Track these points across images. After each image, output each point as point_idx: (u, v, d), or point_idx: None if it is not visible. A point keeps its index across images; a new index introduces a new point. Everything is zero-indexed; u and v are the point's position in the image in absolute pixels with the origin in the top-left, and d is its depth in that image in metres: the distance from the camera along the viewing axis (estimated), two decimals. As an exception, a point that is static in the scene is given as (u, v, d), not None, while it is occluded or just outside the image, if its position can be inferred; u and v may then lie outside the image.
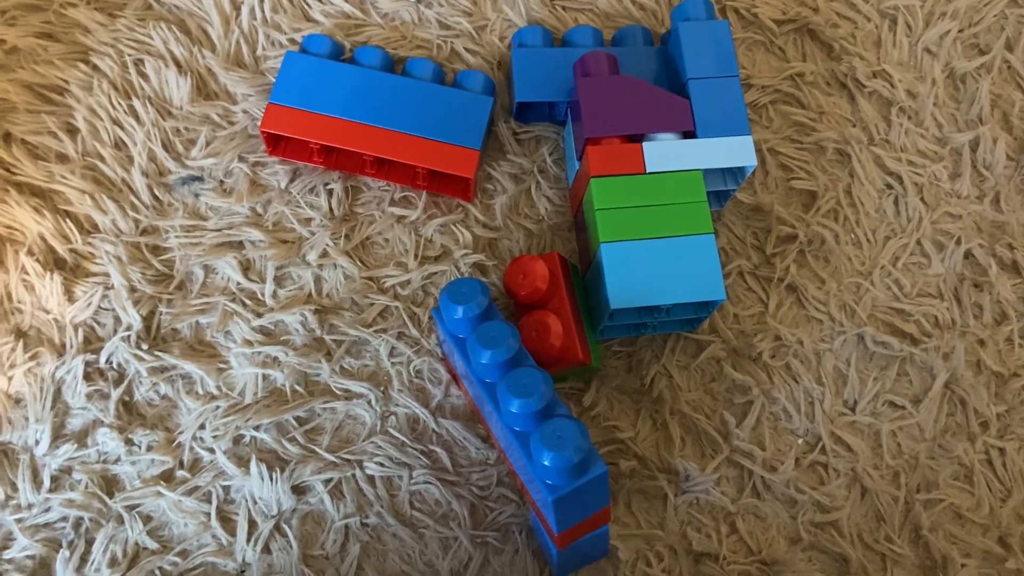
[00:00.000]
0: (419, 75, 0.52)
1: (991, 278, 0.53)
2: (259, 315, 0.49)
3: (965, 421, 0.51)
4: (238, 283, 0.49)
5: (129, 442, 0.46)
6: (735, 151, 0.48)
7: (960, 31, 0.58)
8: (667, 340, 0.50)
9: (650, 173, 0.47)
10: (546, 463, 0.38)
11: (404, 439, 0.47)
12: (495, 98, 0.52)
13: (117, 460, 0.46)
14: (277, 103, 0.50)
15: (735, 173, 0.50)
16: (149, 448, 0.46)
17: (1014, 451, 0.50)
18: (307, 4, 0.55)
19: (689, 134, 0.49)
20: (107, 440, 0.46)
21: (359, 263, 0.50)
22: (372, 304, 0.50)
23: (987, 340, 0.52)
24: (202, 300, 0.49)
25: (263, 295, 0.49)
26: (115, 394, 0.47)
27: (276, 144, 0.51)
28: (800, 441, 0.49)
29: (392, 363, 0.49)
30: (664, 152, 0.48)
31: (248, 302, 0.49)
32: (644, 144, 0.48)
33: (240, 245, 0.50)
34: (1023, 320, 0.52)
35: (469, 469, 0.47)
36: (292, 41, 0.54)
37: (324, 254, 0.50)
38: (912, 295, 0.52)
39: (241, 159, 0.51)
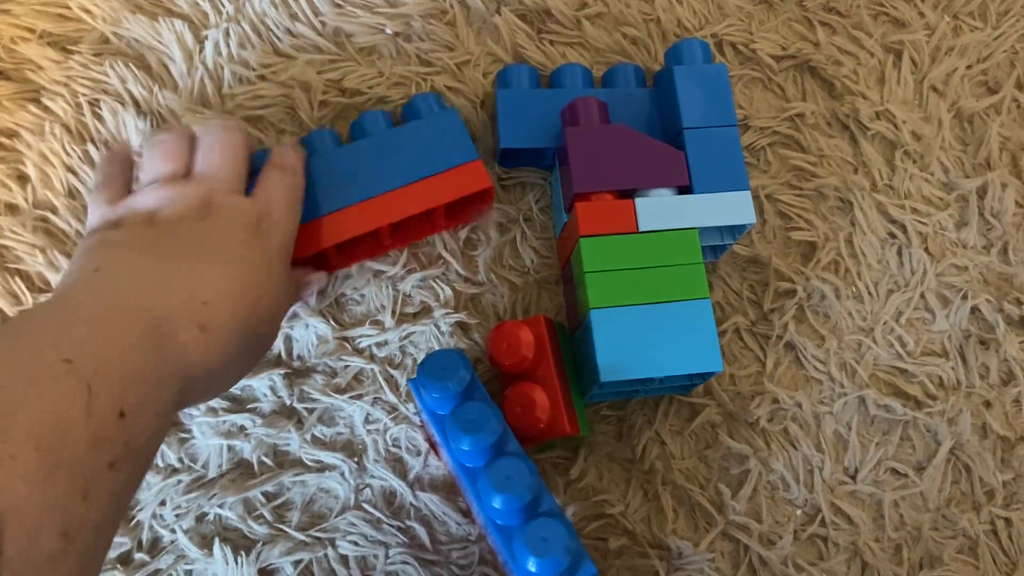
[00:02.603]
0: (374, 130, 0.48)
1: (998, 336, 0.50)
2: (225, 380, 0.46)
3: (970, 489, 0.48)
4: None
5: (84, 522, 0.43)
6: (733, 208, 0.45)
7: (968, 67, 0.55)
8: (659, 403, 0.48)
9: (643, 232, 0.44)
10: (532, 569, 0.35)
11: (380, 515, 0.45)
12: (455, 110, 0.48)
13: (71, 541, 0.43)
14: None
15: (732, 228, 0.48)
16: (105, 528, 0.43)
17: (1020, 522, 0.48)
18: (277, 38, 0.51)
19: (684, 188, 0.46)
20: (60, 520, 0.43)
21: (333, 322, 0.47)
22: (346, 367, 0.47)
23: (993, 402, 0.50)
24: (163, 364, 0.46)
25: (229, 357, 0.46)
26: (68, 469, 0.44)
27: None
28: (799, 512, 0.47)
29: (367, 431, 0.46)
30: (658, 209, 0.45)
31: (213, 365, 0.46)
32: (637, 200, 0.45)
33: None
34: (1031, 380, 0.50)
35: (449, 546, 0.45)
36: (262, 78, 0.50)
37: (294, 313, 0.47)
38: (916, 354, 0.50)
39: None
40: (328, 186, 0.46)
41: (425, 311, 0.48)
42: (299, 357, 0.47)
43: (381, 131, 0.47)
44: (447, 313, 0.47)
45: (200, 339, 0.33)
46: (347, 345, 0.47)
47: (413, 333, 0.47)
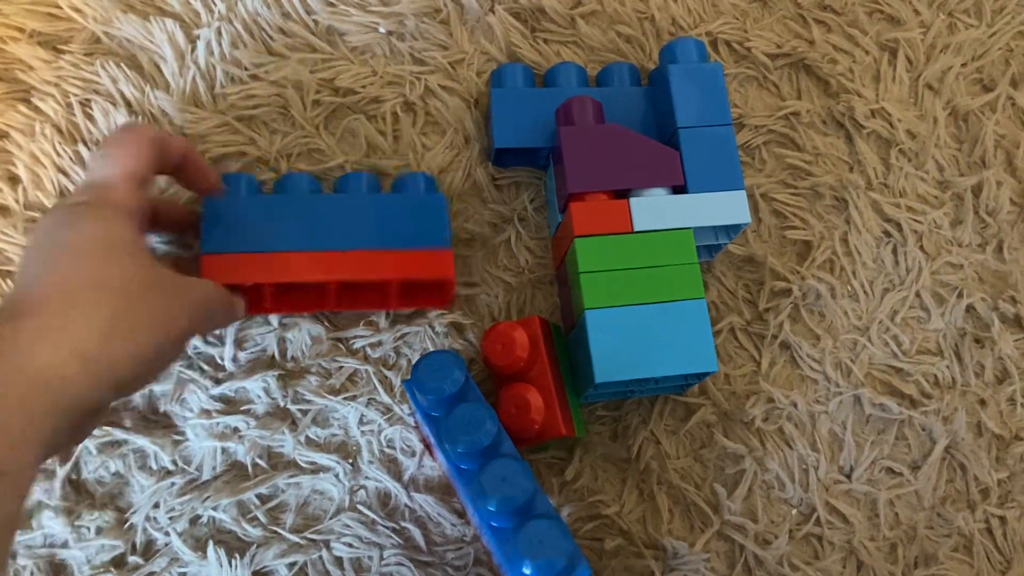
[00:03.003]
0: (354, 190, 0.46)
1: (993, 334, 0.50)
2: (218, 382, 0.45)
3: (965, 488, 0.48)
4: (195, 347, 0.46)
5: (77, 525, 0.43)
6: (728, 207, 0.45)
7: (963, 65, 0.55)
8: (655, 403, 0.48)
9: (637, 232, 0.44)
10: (527, 571, 0.35)
11: (374, 516, 0.44)
12: (442, 195, 0.47)
13: (64, 544, 0.43)
14: (211, 252, 0.43)
15: (728, 228, 0.47)
16: (99, 531, 0.43)
17: (1015, 520, 0.48)
18: (270, 37, 0.51)
19: (679, 188, 0.46)
20: (52, 523, 0.43)
21: (326, 323, 0.47)
22: (340, 368, 0.46)
23: (988, 400, 0.50)
24: (156, 366, 0.45)
25: (222, 359, 0.46)
26: (61, 472, 0.43)
27: None
28: (794, 512, 0.47)
29: (362, 432, 0.46)
30: (652, 209, 0.45)
31: (206, 367, 0.46)
32: (631, 200, 0.45)
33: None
34: (1026, 378, 0.50)
35: (444, 547, 0.45)
36: (254, 77, 0.50)
37: (288, 315, 0.47)
38: (911, 352, 0.50)
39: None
40: (292, 225, 0.44)
41: (419, 312, 0.48)
42: (293, 358, 0.46)
43: (363, 192, 0.46)
44: (441, 313, 0.47)
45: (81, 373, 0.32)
46: (341, 346, 0.47)
47: (407, 334, 0.47)
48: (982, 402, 0.50)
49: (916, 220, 0.52)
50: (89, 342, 0.32)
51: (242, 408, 0.45)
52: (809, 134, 0.53)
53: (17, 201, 0.47)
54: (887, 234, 0.52)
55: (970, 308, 0.51)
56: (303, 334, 0.47)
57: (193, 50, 0.50)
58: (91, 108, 0.48)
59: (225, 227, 0.43)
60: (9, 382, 0.30)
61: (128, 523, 0.43)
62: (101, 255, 0.35)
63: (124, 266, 0.35)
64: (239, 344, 0.46)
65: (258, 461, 0.45)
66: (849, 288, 0.51)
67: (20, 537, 0.43)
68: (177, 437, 0.45)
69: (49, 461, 0.43)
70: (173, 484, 0.44)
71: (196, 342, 0.46)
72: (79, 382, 0.31)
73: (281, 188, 0.46)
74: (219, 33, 0.50)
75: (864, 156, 0.53)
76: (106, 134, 0.48)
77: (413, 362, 0.46)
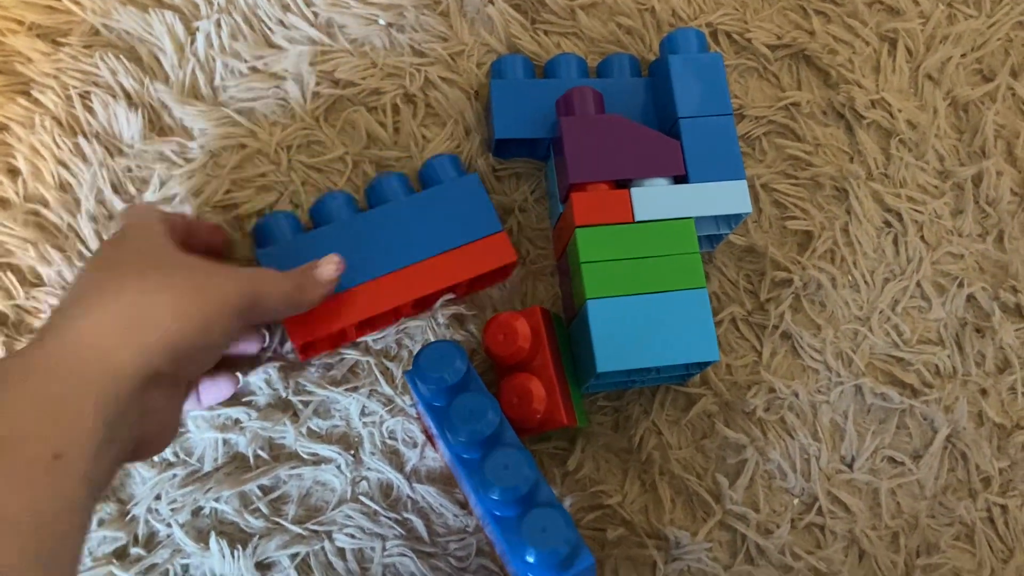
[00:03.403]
0: (393, 196, 0.46)
1: (994, 323, 0.51)
2: (219, 373, 0.45)
3: (966, 477, 0.48)
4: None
5: (79, 517, 0.43)
6: (729, 197, 0.45)
7: (963, 56, 0.55)
8: (656, 393, 0.48)
9: (639, 222, 0.44)
10: (530, 559, 0.35)
11: (376, 507, 0.44)
12: (475, 175, 0.47)
13: (66, 536, 0.43)
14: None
15: (728, 218, 0.47)
16: (100, 523, 0.43)
17: (1016, 508, 0.48)
18: (269, 29, 0.51)
19: (680, 178, 0.46)
20: (54, 515, 0.43)
21: (327, 314, 0.47)
22: (342, 359, 0.46)
23: (989, 389, 0.50)
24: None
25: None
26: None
27: (308, 348, 0.45)
28: (796, 501, 0.47)
29: (363, 423, 0.46)
30: (654, 199, 0.45)
31: (207, 359, 0.46)
32: (632, 190, 0.45)
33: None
34: (1027, 368, 0.50)
35: (447, 538, 0.45)
36: (253, 69, 0.50)
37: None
38: (912, 342, 0.50)
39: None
40: (350, 256, 0.43)
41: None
42: (294, 350, 0.46)
43: (400, 198, 0.46)
44: (443, 303, 0.47)
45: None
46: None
47: (409, 325, 0.47)
48: (983, 391, 0.50)
49: (917, 210, 0.52)
50: (129, 308, 0.33)
51: (243, 399, 0.45)
52: (809, 124, 0.53)
53: (17, 193, 0.47)
54: (888, 224, 0.52)
55: (971, 298, 0.51)
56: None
57: (192, 42, 0.50)
58: (90, 100, 0.48)
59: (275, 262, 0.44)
60: (56, 357, 0.31)
61: (130, 515, 0.43)
62: (137, 244, 0.37)
63: (159, 249, 0.37)
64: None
65: (260, 452, 0.45)
66: (850, 278, 0.51)
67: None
68: (179, 429, 0.45)
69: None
70: (175, 476, 0.44)
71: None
72: (124, 348, 0.32)
73: (319, 215, 0.46)
74: (218, 25, 0.50)
75: (864, 146, 0.53)
76: (105, 126, 0.48)
77: (414, 353, 0.46)
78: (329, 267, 0.42)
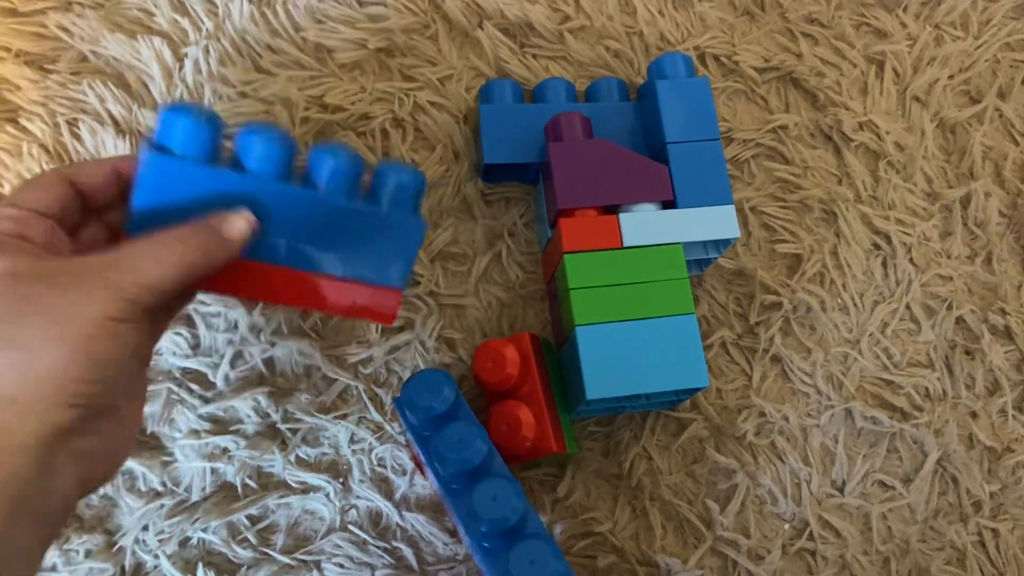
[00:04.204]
0: (326, 183, 0.37)
1: (983, 345, 0.51)
2: (207, 401, 0.45)
3: (957, 501, 0.48)
4: (183, 367, 0.46)
5: (66, 548, 0.43)
6: (717, 222, 0.45)
7: (950, 77, 0.56)
8: (646, 418, 0.48)
9: (627, 247, 0.44)
10: (517, 593, 0.35)
11: (365, 536, 0.44)
12: (422, 217, 0.40)
13: (53, 568, 0.43)
14: (137, 230, 0.34)
15: (717, 243, 0.47)
16: (88, 554, 0.43)
17: (1007, 532, 0.48)
18: (258, 54, 0.51)
19: (668, 203, 0.46)
20: (40, 547, 0.42)
21: (317, 337, 0.47)
22: (331, 385, 0.46)
23: (979, 412, 0.50)
24: (144, 387, 0.45)
25: (213, 377, 0.46)
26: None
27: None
28: (787, 527, 0.47)
29: (352, 451, 0.45)
30: (642, 224, 0.45)
31: (194, 387, 0.45)
32: (620, 216, 0.45)
33: (188, 320, 0.46)
34: (1017, 390, 0.50)
35: (436, 567, 0.44)
36: (242, 95, 0.50)
37: (278, 329, 0.46)
38: (902, 365, 0.50)
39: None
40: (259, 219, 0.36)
41: (410, 326, 0.47)
42: (282, 375, 0.46)
43: (341, 190, 0.37)
44: (432, 328, 0.47)
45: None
46: (332, 361, 0.47)
47: (398, 348, 0.47)
48: (973, 414, 0.50)
49: (905, 232, 0.52)
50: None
51: (231, 428, 0.45)
52: (797, 147, 0.53)
53: (4, 221, 0.46)
54: (876, 247, 0.52)
55: (960, 320, 0.51)
56: (293, 351, 0.46)
57: (181, 68, 0.50)
58: (78, 128, 0.48)
59: (157, 201, 0.35)
60: None
61: (117, 546, 0.43)
62: None
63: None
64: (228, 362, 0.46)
65: (248, 481, 0.45)
66: (839, 301, 0.51)
67: (7, 561, 0.43)
68: (166, 458, 0.45)
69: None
70: (162, 506, 0.44)
71: (180, 362, 0.45)
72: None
73: (242, 156, 0.36)
74: (207, 51, 0.50)
75: (853, 169, 0.53)
76: (93, 153, 0.48)
77: (403, 379, 0.46)
78: (239, 223, 0.34)
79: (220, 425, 0.45)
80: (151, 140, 0.35)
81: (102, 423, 0.31)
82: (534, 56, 0.53)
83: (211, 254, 0.33)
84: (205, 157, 0.35)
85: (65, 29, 0.49)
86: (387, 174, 0.39)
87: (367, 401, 0.46)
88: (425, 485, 0.45)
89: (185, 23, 0.50)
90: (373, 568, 0.44)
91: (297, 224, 0.37)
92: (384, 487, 0.45)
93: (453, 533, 0.45)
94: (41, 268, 0.30)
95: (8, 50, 0.49)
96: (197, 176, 0.35)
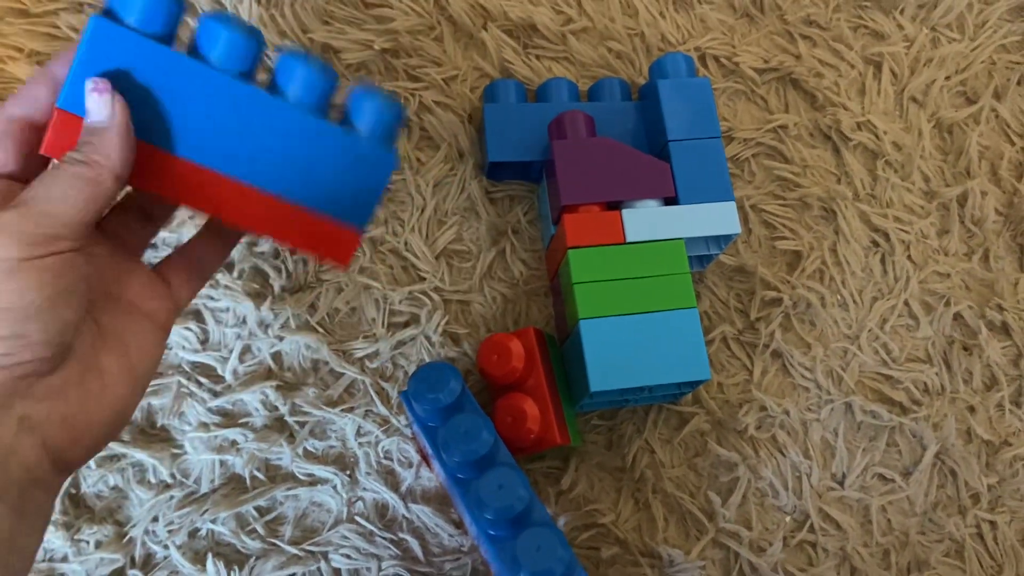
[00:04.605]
0: (295, 92, 0.34)
1: (980, 341, 0.51)
2: (216, 394, 0.46)
3: (956, 494, 0.49)
4: (193, 361, 0.46)
5: (76, 539, 0.43)
6: (718, 218, 0.46)
7: (947, 78, 0.57)
8: (649, 412, 0.48)
9: (630, 243, 0.45)
10: (524, 579, 0.35)
11: (372, 527, 0.45)
12: (396, 151, 0.36)
13: (64, 559, 0.43)
14: (67, 110, 0.31)
15: (718, 238, 0.48)
16: (98, 545, 0.43)
17: (1005, 524, 0.48)
18: (266, 55, 0.51)
19: (670, 199, 0.46)
20: (51, 538, 0.43)
21: (324, 332, 0.47)
22: (338, 379, 0.47)
23: (977, 406, 0.50)
24: (153, 380, 0.46)
25: (222, 371, 0.46)
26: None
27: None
28: (788, 519, 0.47)
29: (359, 444, 0.46)
30: (644, 220, 0.45)
31: (204, 380, 0.46)
32: (623, 212, 0.45)
33: (197, 315, 0.47)
34: (1014, 385, 0.51)
35: (442, 558, 0.45)
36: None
37: (286, 324, 0.47)
38: (900, 360, 0.51)
39: (192, 217, 0.48)
40: (194, 121, 0.33)
41: (415, 322, 0.48)
42: (290, 369, 0.47)
43: (303, 100, 0.34)
44: (438, 324, 0.48)
45: None
46: (339, 356, 0.47)
47: (404, 343, 0.48)
48: (971, 408, 0.50)
49: (903, 230, 0.53)
50: None
51: (240, 421, 0.46)
52: (797, 146, 0.54)
53: (16, 218, 0.47)
54: (875, 244, 0.53)
55: (958, 316, 0.52)
56: (300, 345, 0.47)
57: (190, 68, 0.50)
58: (89, 126, 0.49)
59: (100, 71, 0.31)
60: None
61: (127, 537, 0.44)
62: None
63: None
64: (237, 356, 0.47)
65: (256, 473, 0.45)
66: (839, 297, 0.51)
67: (19, 552, 0.43)
68: (175, 451, 0.45)
69: None
70: (172, 497, 0.44)
71: (191, 357, 0.46)
72: None
73: (202, 44, 0.33)
74: (216, 51, 0.50)
75: (851, 168, 0.54)
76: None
77: (409, 373, 0.47)
78: (92, 100, 0.31)
79: (229, 418, 0.46)
80: (103, 5, 0.31)
81: (51, 385, 0.29)
82: (537, 57, 0.54)
83: (97, 163, 0.30)
84: (160, 35, 0.32)
85: (77, 30, 0.50)
86: (363, 99, 0.35)
87: (373, 395, 0.47)
88: (431, 477, 0.46)
89: (194, 24, 0.51)
90: (380, 559, 0.44)
91: (254, 134, 0.33)
92: (390, 479, 0.46)
93: (459, 525, 0.45)
94: None
95: (20, 50, 0.50)
96: (146, 54, 0.31)
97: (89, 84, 0.31)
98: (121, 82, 0.32)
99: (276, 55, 0.34)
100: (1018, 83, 0.57)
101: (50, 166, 0.31)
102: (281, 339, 0.47)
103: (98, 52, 0.31)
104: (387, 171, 0.35)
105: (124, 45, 0.31)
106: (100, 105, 0.31)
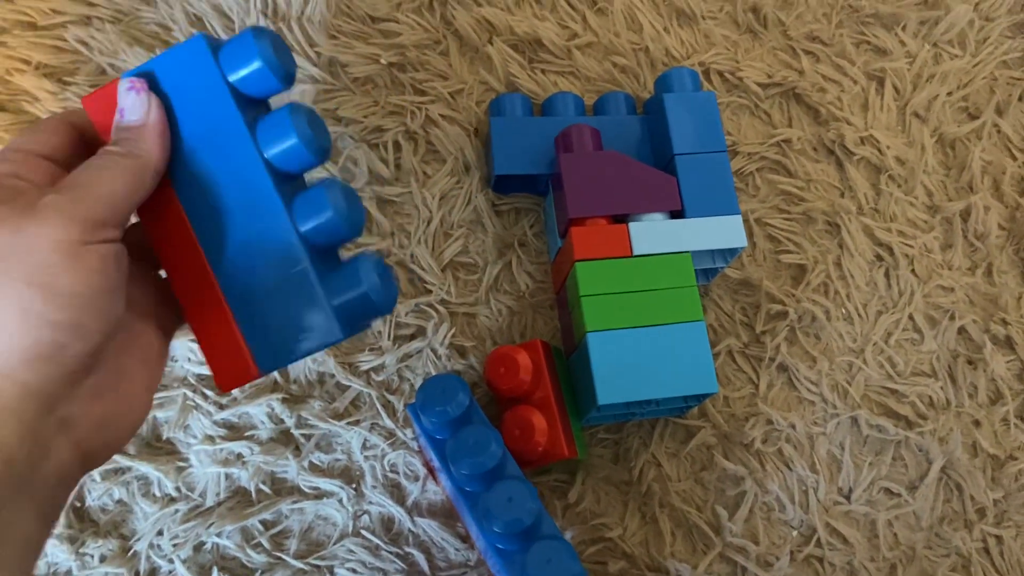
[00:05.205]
0: (308, 225, 0.32)
1: (985, 355, 0.51)
2: (221, 407, 0.46)
3: (962, 508, 0.49)
4: (198, 373, 0.46)
5: (81, 552, 0.43)
6: (724, 231, 0.46)
7: (949, 94, 0.57)
8: (655, 425, 0.48)
9: (637, 256, 0.45)
10: (534, 593, 0.35)
11: (378, 541, 0.44)
12: (346, 334, 0.32)
13: (68, 572, 0.43)
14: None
15: (724, 252, 0.48)
16: (103, 559, 0.43)
17: (1011, 539, 0.48)
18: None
19: (676, 213, 0.47)
20: (55, 551, 0.43)
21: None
22: (344, 392, 0.47)
23: (983, 421, 0.50)
24: (159, 393, 0.46)
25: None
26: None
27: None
28: (795, 533, 0.47)
29: (365, 457, 0.46)
30: (651, 233, 0.45)
31: (210, 393, 0.46)
32: (630, 225, 0.45)
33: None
34: (1019, 399, 0.51)
35: (448, 572, 0.45)
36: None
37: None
38: (906, 374, 0.51)
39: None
40: (215, 186, 0.32)
41: (421, 334, 0.48)
42: (295, 381, 0.47)
43: (316, 247, 0.32)
44: (444, 336, 0.48)
45: None
46: (345, 369, 0.47)
47: (411, 355, 0.48)
48: (976, 423, 0.50)
49: (907, 244, 0.53)
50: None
51: (246, 434, 0.46)
52: (801, 161, 0.54)
53: (22, 229, 0.47)
54: (879, 258, 0.53)
55: (962, 330, 0.52)
56: (305, 359, 0.47)
57: (197, 81, 0.50)
58: (96, 138, 0.49)
59: (166, 84, 0.32)
60: None
61: (132, 550, 0.43)
62: None
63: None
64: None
65: (262, 487, 0.45)
66: (843, 311, 0.52)
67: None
68: (181, 464, 0.45)
69: None
70: (177, 511, 0.44)
71: (197, 369, 0.46)
72: None
73: (257, 124, 0.32)
74: (223, 64, 0.51)
75: (855, 182, 0.54)
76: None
77: (415, 386, 0.47)
78: (130, 99, 0.31)
79: (235, 431, 0.46)
80: (215, 37, 0.30)
81: (89, 386, 0.29)
82: (543, 71, 0.54)
83: (138, 153, 0.30)
84: (239, 92, 0.31)
85: (84, 43, 0.50)
86: (365, 271, 0.32)
87: (379, 408, 0.46)
88: (437, 491, 0.46)
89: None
90: (385, 573, 0.44)
91: (248, 230, 0.31)
92: (396, 493, 0.46)
93: (465, 539, 0.45)
94: (2, 212, 0.27)
95: (28, 62, 0.50)
96: (212, 97, 0.31)
97: (126, 83, 0.31)
98: (172, 101, 0.31)
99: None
100: (1019, 99, 0.57)
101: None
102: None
103: (175, 66, 0.31)
104: (326, 343, 0.31)
105: (201, 76, 0.31)
106: (137, 104, 0.31)
